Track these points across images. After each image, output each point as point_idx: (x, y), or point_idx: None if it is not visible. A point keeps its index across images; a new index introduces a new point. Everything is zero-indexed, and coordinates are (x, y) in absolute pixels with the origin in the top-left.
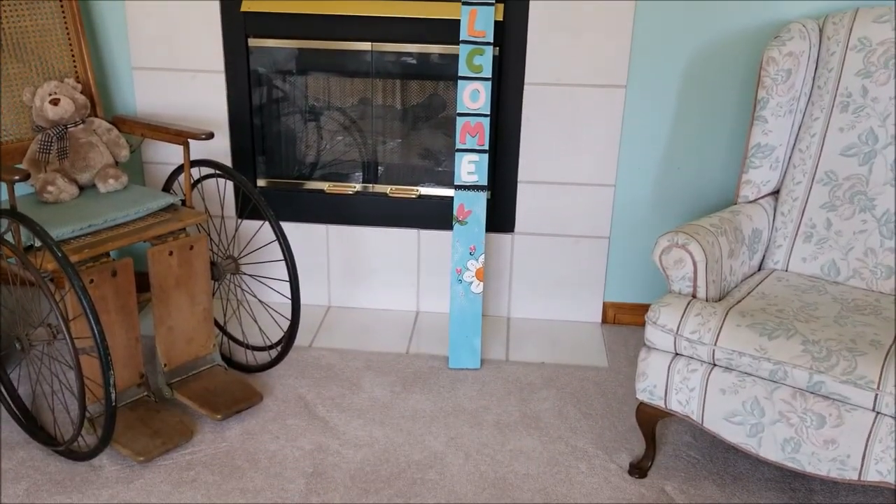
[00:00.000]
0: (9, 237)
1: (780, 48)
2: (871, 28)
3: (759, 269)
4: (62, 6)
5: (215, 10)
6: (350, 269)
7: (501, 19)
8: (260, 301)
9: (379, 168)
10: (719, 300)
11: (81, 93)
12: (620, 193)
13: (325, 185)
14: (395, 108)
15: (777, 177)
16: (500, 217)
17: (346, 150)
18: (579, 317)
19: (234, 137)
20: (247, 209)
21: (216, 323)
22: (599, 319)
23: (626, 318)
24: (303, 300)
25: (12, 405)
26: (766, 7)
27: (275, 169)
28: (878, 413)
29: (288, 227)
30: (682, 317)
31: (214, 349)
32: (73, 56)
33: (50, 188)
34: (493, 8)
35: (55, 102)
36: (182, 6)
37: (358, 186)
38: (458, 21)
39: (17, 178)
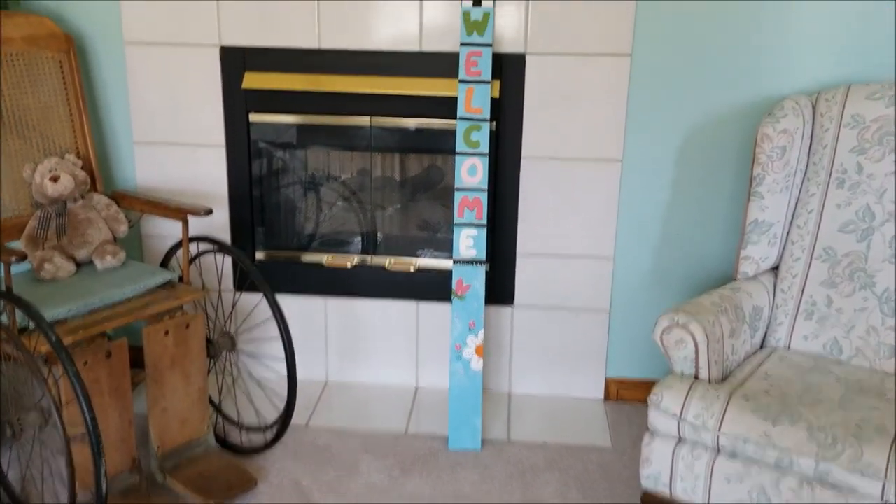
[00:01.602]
0: (4, 318)
1: (774, 125)
2: (864, 105)
3: (762, 347)
4: (65, 83)
5: (217, 86)
6: (348, 343)
7: (498, 96)
8: (256, 381)
9: (378, 240)
10: (722, 381)
11: (82, 168)
12: (619, 266)
13: (323, 258)
14: (394, 180)
15: (776, 253)
16: (500, 289)
17: (344, 222)
18: (581, 393)
19: (233, 210)
20: (245, 283)
21: (211, 401)
22: (602, 396)
23: (629, 395)
24: (300, 375)
25: (1, 490)
26: (759, 83)
27: (274, 241)
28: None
29: (286, 300)
30: (684, 400)
31: (209, 431)
32: (74, 132)
33: (47, 266)
34: (489, 86)
35: (55, 179)
36: (185, 83)
37: (356, 259)
38: (456, 98)
39: (13, 258)
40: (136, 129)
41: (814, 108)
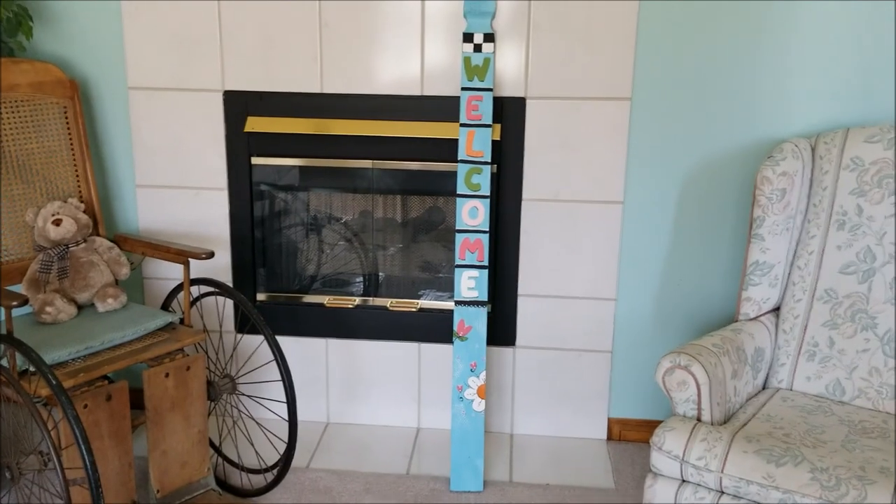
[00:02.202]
0: (4, 362)
1: (773, 168)
2: (862, 148)
3: (764, 388)
4: (69, 128)
5: (220, 130)
6: (349, 384)
7: (498, 139)
8: (257, 423)
9: (379, 281)
10: (725, 422)
11: (84, 212)
12: (621, 307)
13: (325, 299)
14: (396, 222)
15: (777, 294)
16: (501, 330)
17: (346, 263)
18: (584, 433)
19: (235, 252)
20: (246, 325)
21: (211, 443)
22: (605, 436)
23: (632, 435)
24: (301, 416)
25: None
26: (759, 126)
27: (275, 282)
28: None
29: (287, 342)
30: (687, 442)
31: (209, 473)
32: (77, 176)
33: (48, 309)
34: (490, 129)
35: (57, 223)
36: (187, 127)
37: (358, 300)
38: (457, 140)
39: (15, 303)
40: (138, 172)
41: (813, 150)
